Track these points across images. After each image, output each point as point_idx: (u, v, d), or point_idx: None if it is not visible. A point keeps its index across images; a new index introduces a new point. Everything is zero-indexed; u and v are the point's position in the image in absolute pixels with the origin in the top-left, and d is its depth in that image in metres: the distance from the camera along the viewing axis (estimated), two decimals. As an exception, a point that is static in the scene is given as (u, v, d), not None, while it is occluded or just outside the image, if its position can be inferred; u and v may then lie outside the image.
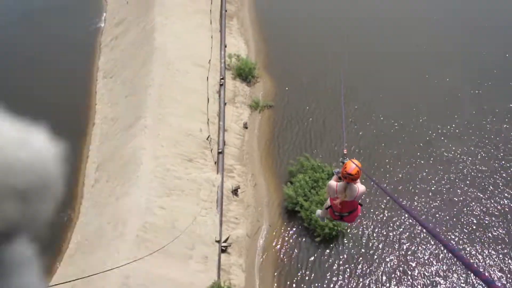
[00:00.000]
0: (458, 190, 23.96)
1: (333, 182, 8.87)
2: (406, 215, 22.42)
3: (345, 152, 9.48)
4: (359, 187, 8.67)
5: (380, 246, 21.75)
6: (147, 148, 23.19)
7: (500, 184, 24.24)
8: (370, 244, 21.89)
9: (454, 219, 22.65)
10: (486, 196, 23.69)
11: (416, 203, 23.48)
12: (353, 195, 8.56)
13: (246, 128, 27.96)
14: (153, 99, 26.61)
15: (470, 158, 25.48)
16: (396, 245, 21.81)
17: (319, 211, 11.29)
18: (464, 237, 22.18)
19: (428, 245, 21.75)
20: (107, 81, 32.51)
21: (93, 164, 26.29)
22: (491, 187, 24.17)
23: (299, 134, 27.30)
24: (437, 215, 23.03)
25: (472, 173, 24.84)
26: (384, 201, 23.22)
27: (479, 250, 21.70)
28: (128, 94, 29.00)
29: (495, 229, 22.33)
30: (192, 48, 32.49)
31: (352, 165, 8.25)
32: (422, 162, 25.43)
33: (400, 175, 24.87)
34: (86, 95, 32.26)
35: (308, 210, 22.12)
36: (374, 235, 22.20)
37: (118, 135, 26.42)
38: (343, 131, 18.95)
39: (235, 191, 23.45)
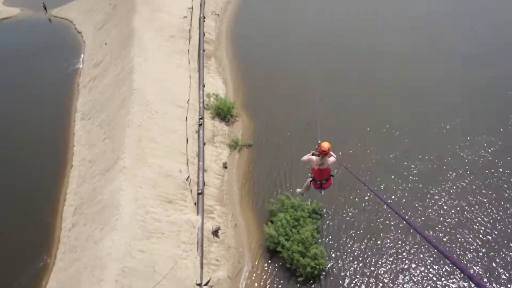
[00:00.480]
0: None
1: (312, 157, 12.74)
2: (386, 255, 22.47)
3: (319, 142, 12.37)
4: (330, 159, 12.55)
5: (363, 286, 21.62)
6: (125, 190, 22.94)
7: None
8: (352, 283, 21.76)
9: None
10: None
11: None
12: (326, 163, 12.54)
13: (226, 168, 27.96)
14: (132, 140, 26.49)
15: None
16: (379, 285, 21.73)
17: (299, 189, 15.27)
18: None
19: (410, 283, 21.72)
20: (85, 123, 32.37)
21: (70, 207, 25.87)
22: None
23: (279, 173, 27.37)
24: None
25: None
26: (365, 240, 23.25)
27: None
28: (106, 136, 28.85)
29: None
30: (170, 89, 32.69)
31: (325, 145, 12.04)
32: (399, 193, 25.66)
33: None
34: (64, 137, 32.08)
35: (289, 249, 21.99)
36: (356, 274, 22.11)
37: (96, 177, 26.13)
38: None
39: (215, 232, 23.23)
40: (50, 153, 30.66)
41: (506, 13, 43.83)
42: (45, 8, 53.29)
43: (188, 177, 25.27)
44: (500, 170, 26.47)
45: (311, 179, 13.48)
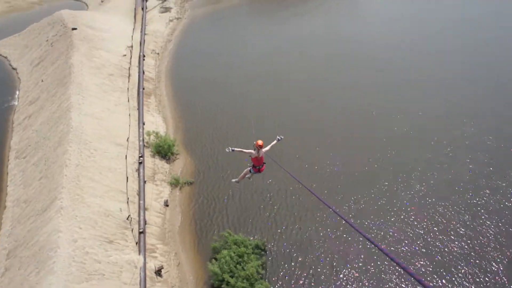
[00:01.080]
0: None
1: (252, 151, 17.81)
2: None
3: (254, 143, 17.63)
4: (263, 150, 17.74)
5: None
6: (63, 231, 22.29)
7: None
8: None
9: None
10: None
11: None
12: (261, 153, 17.90)
13: (167, 206, 27.82)
14: (70, 179, 25.93)
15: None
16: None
17: (234, 179, 20.89)
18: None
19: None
20: (20, 162, 31.35)
21: (3, 251, 24.72)
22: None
23: (220, 210, 27.51)
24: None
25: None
26: (310, 274, 23.62)
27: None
28: (42, 175, 28.05)
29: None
30: (110, 127, 32.41)
31: (259, 141, 17.56)
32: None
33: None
34: (-4, 177, 30.94)
35: (234, 286, 21.99)
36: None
37: (32, 218, 25.24)
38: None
39: (158, 272, 22.91)
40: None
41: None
42: None
43: (128, 216, 24.94)
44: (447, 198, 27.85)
45: (250, 167, 19.11)
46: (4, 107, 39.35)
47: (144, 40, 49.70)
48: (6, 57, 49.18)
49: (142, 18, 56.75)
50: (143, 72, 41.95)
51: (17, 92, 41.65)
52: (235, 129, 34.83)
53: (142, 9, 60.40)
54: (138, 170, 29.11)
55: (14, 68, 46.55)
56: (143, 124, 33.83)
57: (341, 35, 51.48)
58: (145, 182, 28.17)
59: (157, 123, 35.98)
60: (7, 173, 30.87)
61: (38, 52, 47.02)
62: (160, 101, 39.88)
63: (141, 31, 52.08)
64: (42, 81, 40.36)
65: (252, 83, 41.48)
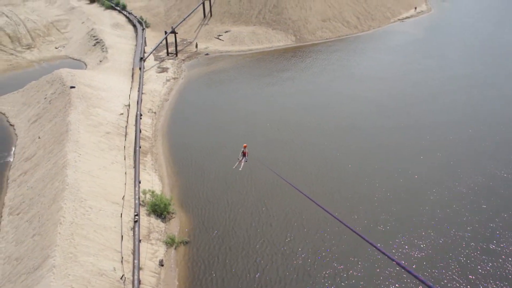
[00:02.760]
0: None
1: (243, 152, 31.08)
2: None
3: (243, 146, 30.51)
4: (246, 150, 31.17)
5: None
6: (55, 290, 21.82)
7: None
8: None
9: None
10: None
11: None
12: (246, 151, 30.97)
13: (162, 265, 27.40)
14: (63, 237, 25.66)
15: None
16: None
17: (234, 166, 31.76)
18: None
19: None
20: (13, 218, 31.01)
21: (-9, 311, 24.08)
22: None
23: (215, 270, 27.12)
24: None
25: None
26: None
27: None
28: (36, 232, 27.71)
29: None
30: (105, 185, 32.37)
31: (244, 147, 31.01)
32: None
33: None
34: (-12, 233, 30.47)
35: None
36: None
37: (23, 277, 24.69)
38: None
39: (150, 335, 22.29)
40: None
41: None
42: None
43: (122, 276, 24.51)
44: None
45: (240, 158, 31.27)
46: (0, 163, 39.31)
47: (141, 99, 50.49)
48: (4, 114, 49.62)
49: (140, 78, 57.92)
50: (140, 131, 42.36)
51: (13, 148, 41.76)
52: (233, 190, 35.00)
53: (140, 69, 61.78)
54: (133, 228, 28.84)
55: (11, 125, 46.91)
56: (139, 182, 33.82)
57: (324, 102, 52.81)
58: (140, 241, 27.85)
59: (153, 181, 36.00)
60: (-1, 230, 30.48)
61: (36, 109, 47.54)
62: (156, 159, 40.08)
63: (138, 90, 53.03)
64: (39, 138, 40.60)
65: (243, 141, 42.05)
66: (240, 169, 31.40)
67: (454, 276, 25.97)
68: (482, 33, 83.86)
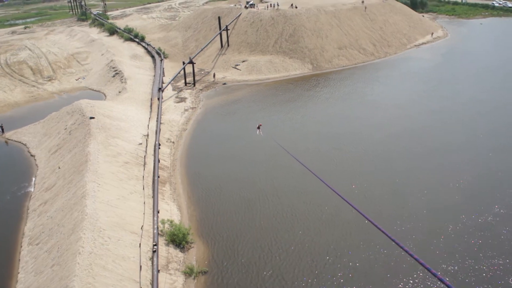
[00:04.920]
0: None
1: (259, 126, 47.95)
2: None
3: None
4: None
5: None
6: (74, 322, 21.65)
7: None
8: None
9: None
10: None
11: None
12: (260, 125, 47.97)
13: (181, 296, 27.10)
14: (82, 267, 25.59)
15: None
16: None
17: (256, 133, 47.50)
18: None
19: None
20: (33, 248, 31.10)
21: None
22: None
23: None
24: None
25: None
26: None
27: None
28: (55, 263, 27.69)
29: None
30: (124, 215, 32.38)
31: (259, 123, 48.36)
32: None
33: None
34: (8, 263, 30.65)
35: None
36: None
37: (42, 309, 24.62)
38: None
39: None
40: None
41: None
42: (2, 130, 53.94)
43: (141, 307, 24.23)
44: None
45: (258, 130, 47.15)
46: (20, 193, 39.75)
47: (160, 129, 50.85)
48: (25, 144, 50.39)
49: (158, 108, 58.47)
50: (159, 161, 42.52)
51: (34, 179, 42.21)
52: (252, 219, 34.75)
53: (158, 99, 62.43)
54: (151, 258, 28.66)
55: (32, 155, 47.53)
56: (158, 212, 33.76)
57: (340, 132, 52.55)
58: (158, 271, 27.63)
59: (172, 211, 35.92)
60: (19, 260, 30.58)
61: (56, 140, 48.18)
62: (175, 189, 40.07)
63: (156, 120, 53.46)
64: (59, 168, 41.00)
65: (262, 172, 41.92)
66: (262, 135, 46.22)
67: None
68: (499, 59, 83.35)
